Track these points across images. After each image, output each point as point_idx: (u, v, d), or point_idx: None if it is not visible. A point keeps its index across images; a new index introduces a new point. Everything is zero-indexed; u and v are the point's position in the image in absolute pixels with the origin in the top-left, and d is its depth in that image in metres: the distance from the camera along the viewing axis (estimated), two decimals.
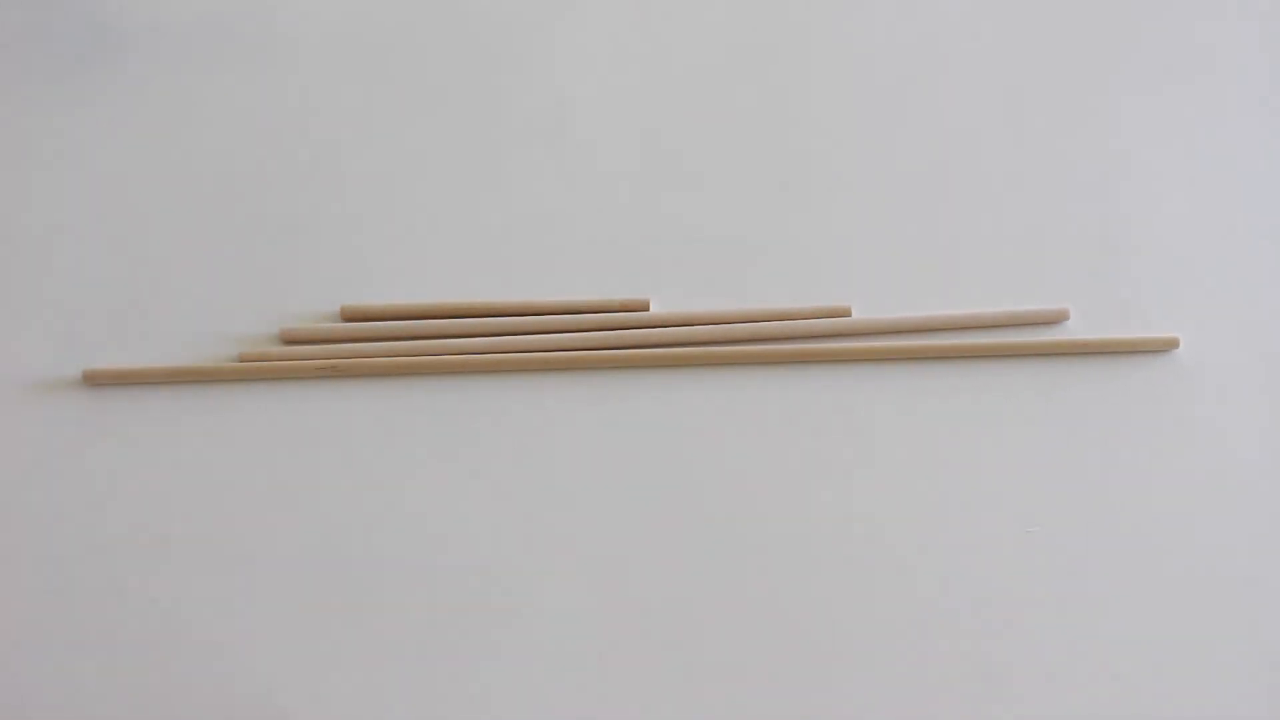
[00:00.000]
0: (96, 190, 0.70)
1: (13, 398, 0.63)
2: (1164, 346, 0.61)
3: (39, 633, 0.57)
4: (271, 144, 0.71)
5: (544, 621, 0.57)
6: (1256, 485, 0.58)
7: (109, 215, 0.69)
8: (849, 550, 0.57)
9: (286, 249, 0.68)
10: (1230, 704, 0.54)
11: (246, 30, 0.76)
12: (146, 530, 0.59)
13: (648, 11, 0.75)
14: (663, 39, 0.74)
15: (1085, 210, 0.65)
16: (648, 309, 0.64)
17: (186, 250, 0.68)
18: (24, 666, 0.57)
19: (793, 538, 0.58)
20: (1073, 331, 0.62)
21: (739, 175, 0.68)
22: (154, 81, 0.74)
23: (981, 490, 0.58)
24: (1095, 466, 0.59)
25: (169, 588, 0.58)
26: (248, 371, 0.63)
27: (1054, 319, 0.62)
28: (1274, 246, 0.64)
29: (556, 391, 0.62)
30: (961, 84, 0.70)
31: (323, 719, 0.55)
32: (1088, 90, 0.70)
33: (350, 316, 0.65)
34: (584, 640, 0.56)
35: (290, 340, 0.64)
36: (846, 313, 0.63)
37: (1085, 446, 0.59)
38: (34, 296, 0.66)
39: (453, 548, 0.59)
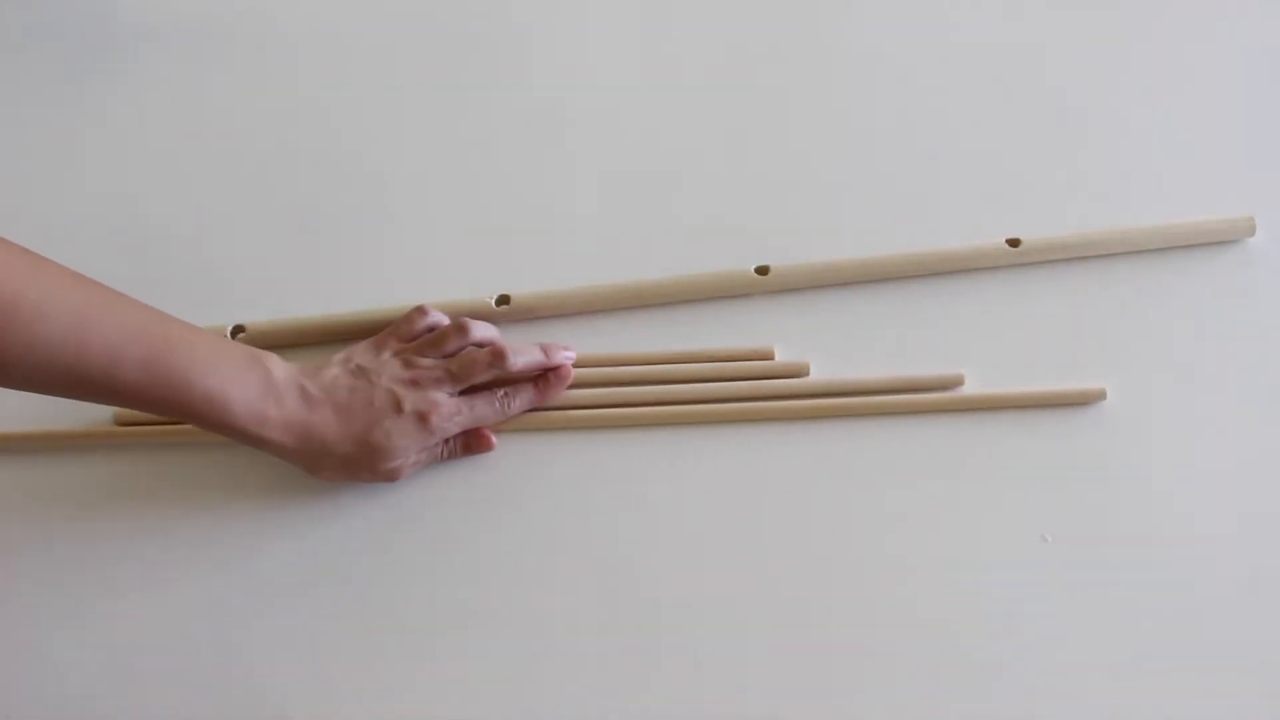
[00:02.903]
0: (97, 190, 0.72)
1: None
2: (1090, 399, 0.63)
3: (40, 631, 0.59)
4: (274, 144, 0.73)
5: (545, 624, 0.58)
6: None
7: (110, 215, 0.71)
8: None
9: (290, 250, 0.69)
10: None
11: (249, 32, 0.78)
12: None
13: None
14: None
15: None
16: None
17: (187, 252, 0.70)
18: (24, 665, 0.58)
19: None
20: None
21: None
22: (156, 82, 0.76)
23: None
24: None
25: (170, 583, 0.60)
26: None
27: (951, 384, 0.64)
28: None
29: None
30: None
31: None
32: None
33: None
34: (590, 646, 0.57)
35: None
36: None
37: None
38: None
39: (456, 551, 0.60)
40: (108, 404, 0.54)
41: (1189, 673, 0.56)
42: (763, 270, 0.66)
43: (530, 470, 0.62)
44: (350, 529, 0.60)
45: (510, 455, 0.62)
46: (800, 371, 0.64)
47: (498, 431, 0.62)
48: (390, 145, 0.73)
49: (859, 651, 0.57)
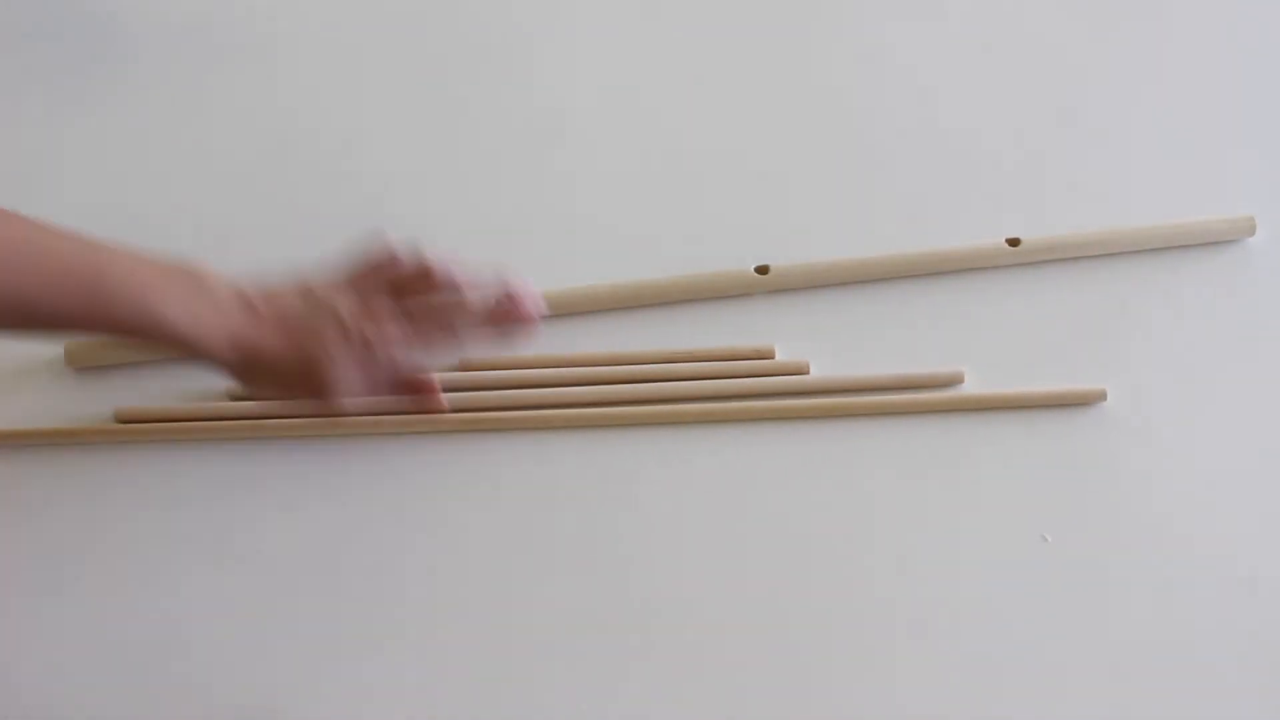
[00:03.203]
0: (97, 190, 0.72)
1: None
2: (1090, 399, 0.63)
3: (38, 629, 0.58)
4: (274, 145, 0.73)
5: (550, 622, 0.58)
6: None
7: (110, 215, 0.70)
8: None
9: (290, 250, 0.69)
10: None
11: (250, 33, 0.78)
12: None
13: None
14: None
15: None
16: None
17: (187, 252, 0.69)
18: (21, 663, 0.58)
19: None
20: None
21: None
22: (156, 83, 0.76)
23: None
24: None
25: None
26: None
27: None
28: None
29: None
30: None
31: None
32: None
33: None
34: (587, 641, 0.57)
35: None
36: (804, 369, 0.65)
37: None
38: None
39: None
40: (51, 334, 0.55)
41: (1189, 673, 0.56)
42: (763, 270, 0.66)
43: (530, 470, 0.62)
44: (349, 527, 0.60)
45: (510, 455, 0.62)
46: (800, 370, 0.64)
47: (499, 429, 0.62)
48: (391, 146, 0.74)
49: (858, 651, 0.57)
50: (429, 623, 0.58)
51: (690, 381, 0.64)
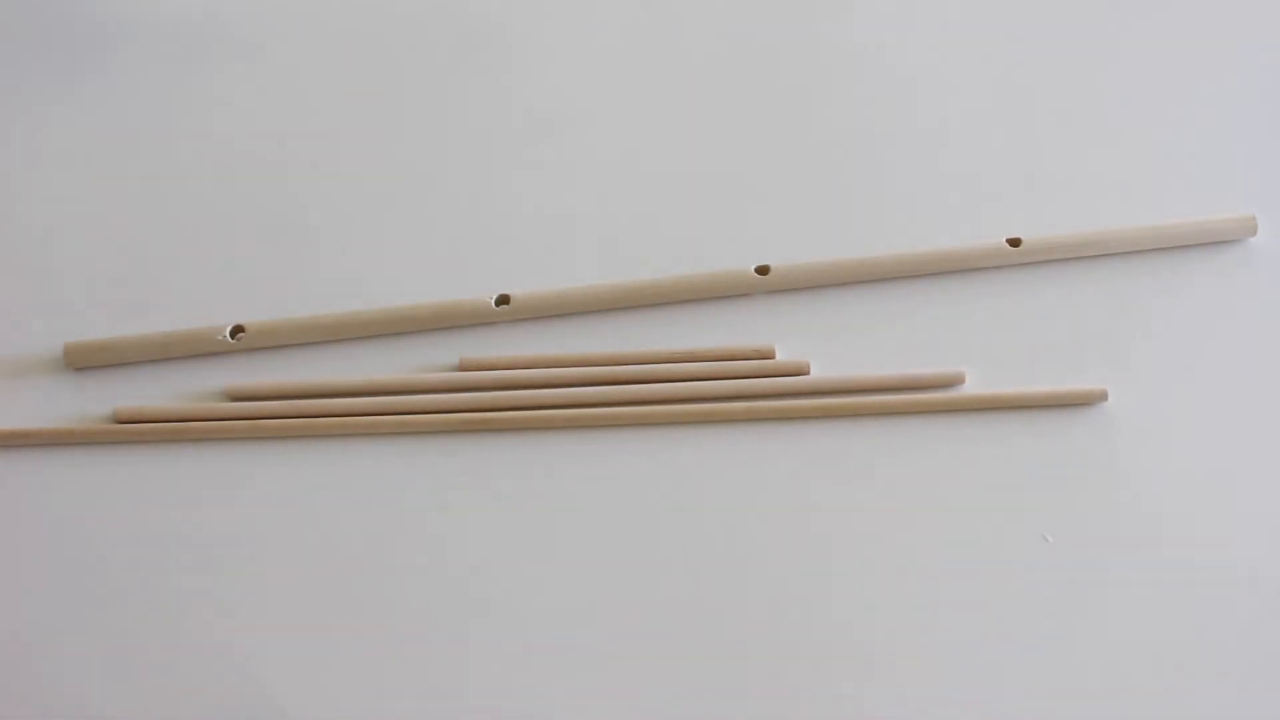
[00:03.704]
0: (95, 189, 0.72)
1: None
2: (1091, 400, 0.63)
3: (39, 630, 0.58)
4: (274, 143, 0.74)
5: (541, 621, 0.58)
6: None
7: (109, 213, 0.71)
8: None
9: (290, 250, 0.70)
10: None
11: (248, 27, 0.78)
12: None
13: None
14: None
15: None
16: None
17: (187, 252, 0.70)
18: (22, 665, 0.58)
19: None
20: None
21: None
22: (153, 80, 0.76)
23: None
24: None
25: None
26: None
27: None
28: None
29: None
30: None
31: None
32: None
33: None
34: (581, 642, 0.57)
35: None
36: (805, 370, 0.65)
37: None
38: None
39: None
40: None
41: (1189, 673, 0.56)
42: (763, 270, 0.66)
43: (530, 470, 0.62)
44: (349, 527, 0.60)
45: (511, 455, 0.62)
46: (800, 371, 0.64)
47: (499, 429, 0.63)
48: (391, 144, 0.74)
49: (858, 651, 0.57)
50: (429, 623, 0.58)
51: (690, 381, 0.64)
